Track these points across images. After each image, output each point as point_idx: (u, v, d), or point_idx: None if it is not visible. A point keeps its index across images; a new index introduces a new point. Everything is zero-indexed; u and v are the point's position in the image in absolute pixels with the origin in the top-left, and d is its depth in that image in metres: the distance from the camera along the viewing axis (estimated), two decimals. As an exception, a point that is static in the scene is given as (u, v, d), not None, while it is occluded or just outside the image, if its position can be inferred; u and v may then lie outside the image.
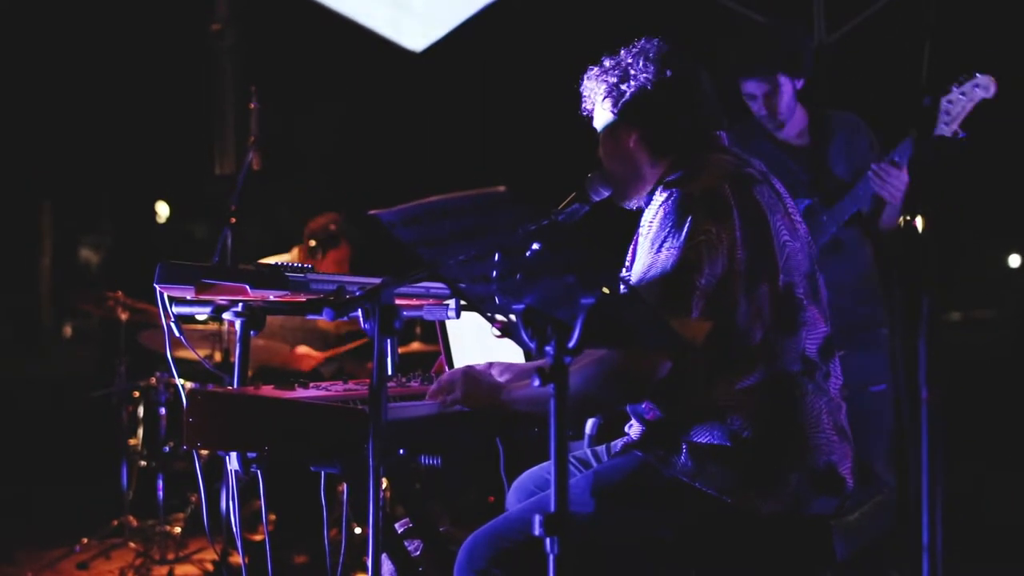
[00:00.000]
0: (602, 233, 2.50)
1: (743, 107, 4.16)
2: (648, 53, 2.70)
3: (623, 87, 2.69)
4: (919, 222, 2.23)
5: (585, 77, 2.80)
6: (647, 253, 2.51)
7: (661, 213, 2.52)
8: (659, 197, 2.57)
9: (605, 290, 1.94)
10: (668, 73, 2.67)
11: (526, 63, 8.22)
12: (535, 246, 1.97)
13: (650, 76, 2.67)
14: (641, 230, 2.63)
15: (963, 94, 3.66)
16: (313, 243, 5.75)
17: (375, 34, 7.85)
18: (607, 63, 2.75)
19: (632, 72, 2.69)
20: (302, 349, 5.66)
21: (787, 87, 4.01)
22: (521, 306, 2.03)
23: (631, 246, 2.75)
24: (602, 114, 2.76)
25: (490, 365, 2.83)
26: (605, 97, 2.73)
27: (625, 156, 2.73)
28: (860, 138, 4.11)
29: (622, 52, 2.74)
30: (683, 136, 2.69)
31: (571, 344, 1.94)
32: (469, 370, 2.74)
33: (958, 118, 3.66)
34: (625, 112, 2.70)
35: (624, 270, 2.76)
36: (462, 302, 3.07)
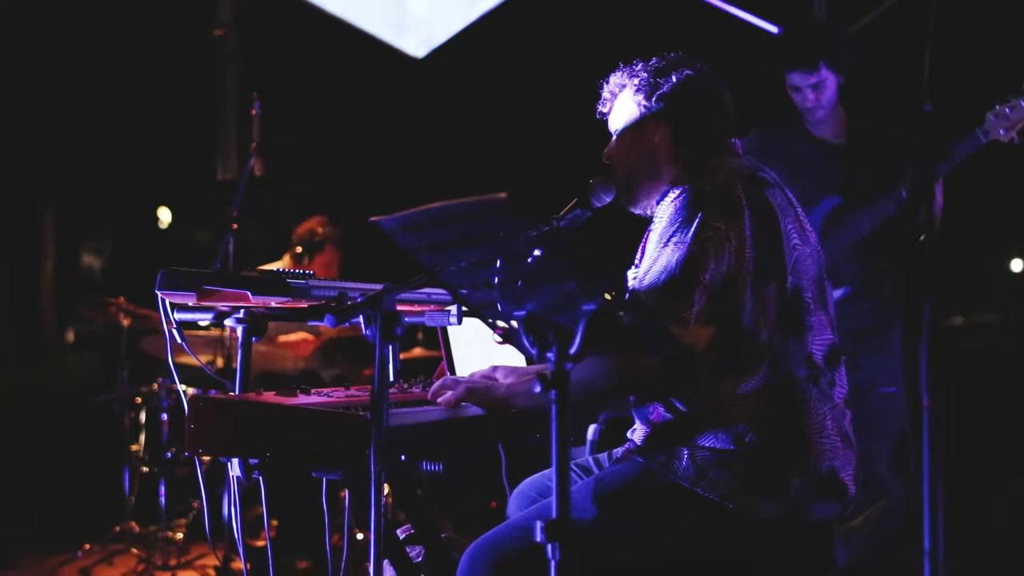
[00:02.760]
0: (604, 239, 2.50)
1: (763, 112, 4.23)
2: (679, 58, 2.78)
3: (660, 80, 2.74)
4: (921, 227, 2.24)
5: (612, 74, 2.83)
6: (655, 248, 2.53)
7: (672, 209, 2.54)
8: (672, 194, 2.59)
9: (607, 296, 1.94)
10: (704, 73, 2.75)
11: (528, 69, 8.23)
12: (537, 252, 1.97)
13: (692, 74, 2.74)
14: (652, 225, 2.65)
15: None
16: (299, 249, 5.76)
17: (377, 40, 7.86)
18: (639, 64, 2.79)
19: (671, 69, 2.75)
20: (296, 336, 5.65)
21: (831, 81, 4.16)
22: (523, 312, 2.03)
23: (641, 243, 2.76)
24: (628, 109, 2.78)
25: (494, 369, 2.84)
26: (637, 90, 2.76)
27: (646, 152, 2.75)
28: (895, 148, 4.15)
29: (655, 58, 2.80)
30: (708, 137, 2.73)
31: (572, 351, 1.94)
32: (472, 375, 2.77)
33: (1017, 125, 3.74)
34: (662, 103, 2.73)
35: (633, 267, 2.77)
36: (464, 308, 3.07)
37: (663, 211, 2.59)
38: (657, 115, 2.74)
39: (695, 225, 2.47)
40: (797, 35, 4.30)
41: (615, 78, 2.83)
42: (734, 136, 2.79)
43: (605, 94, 2.85)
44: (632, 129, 2.78)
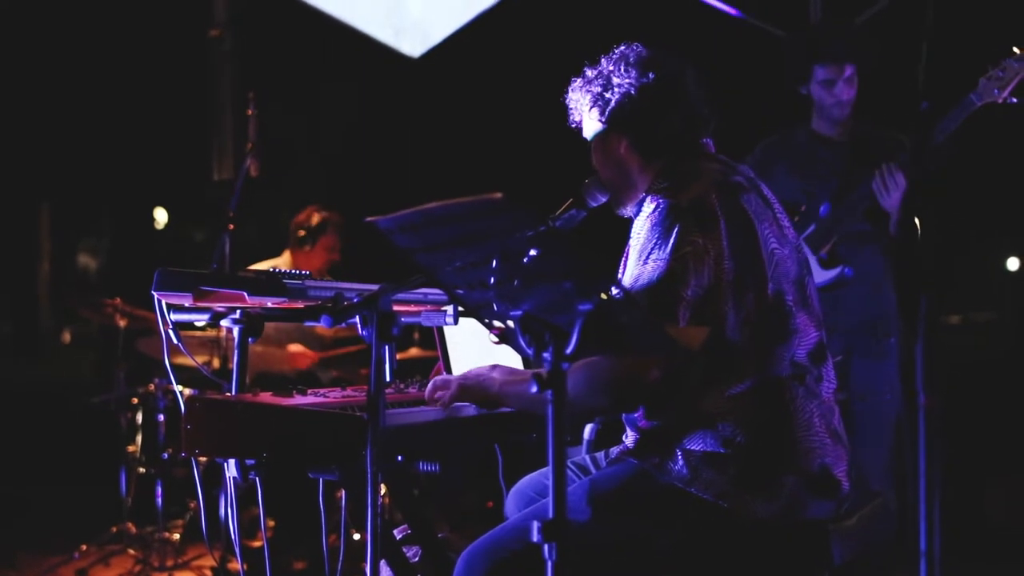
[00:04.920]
0: (600, 239, 2.50)
1: (741, 105, 4.24)
2: (628, 58, 2.71)
3: (607, 95, 2.70)
4: (917, 224, 2.25)
5: (569, 90, 2.81)
6: (635, 264, 2.52)
7: (649, 224, 2.53)
8: (648, 207, 2.57)
9: (603, 296, 1.94)
10: (651, 76, 2.68)
11: (524, 68, 8.22)
12: (532, 252, 1.97)
13: (632, 81, 2.68)
14: (631, 241, 2.63)
15: (1016, 62, 3.75)
16: (302, 233, 5.76)
17: (373, 40, 7.85)
18: (589, 73, 2.76)
19: (615, 80, 2.69)
20: (295, 347, 5.66)
21: (856, 75, 4.18)
22: (519, 312, 2.03)
23: (623, 257, 2.75)
24: (591, 124, 2.77)
25: (493, 367, 2.83)
26: (592, 107, 2.73)
27: (617, 163, 2.74)
28: (898, 153, 4.17)
29: (603, 61, 2.75)
30: (671, 140, 2.70)
31: (569, 350, 1.94)
32: (466, 371, 2.75)
33: (1009, 84, 3.76)
34: (612, 120, 2.70)
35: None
36: (460, 308, 3.06)
37: (640, 225, 2.57)
38: (615, 131, 2.72)
39: (672, 241, 2.46)
40: (831, 30, 4.34)
41: (572, 93, 2.80)
42: (707, 128, 2.75)
43: (571, 105, 2.83)
44: (598, 143, 2.77)
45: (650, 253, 2.48)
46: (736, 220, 2.50)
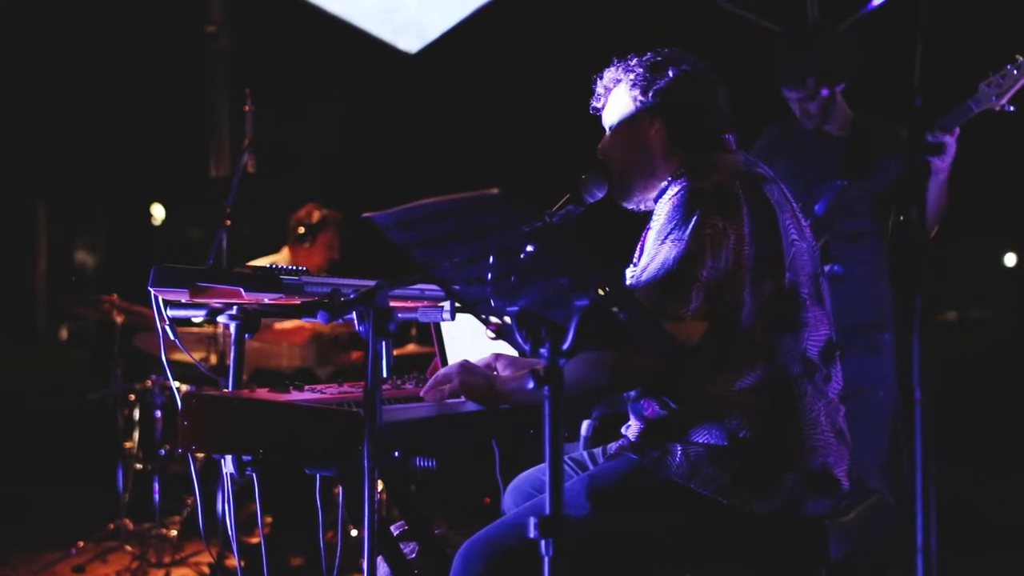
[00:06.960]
0: (596, 235, 2.50)
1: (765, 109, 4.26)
2: (681, 55, 2.77)
3: (655, 75, 2.74)
4: (913, 221, 2.24)
5: (606, 69, 2.83)
6: (653, 244, 2.54)
7: (670, 205, 2.54)
8: (671, 190, 2.59)
9: (600, 292, 1.94)
10: (700, 69, 2.75)
11: (521, 64, 8.23)
12: (529, 248, 1.97)
13: (687, 69, 2.73)
14: (651, 222, 2.64)
15: (1016, 69, 3.74)
16: (302, 230, 5.75)
17: (369, 36, 7.85)
18: (634, 59, 2.78)
19: (665, 65, 2.74)
20: (289, 324, 5.62)
21: (823, 93, 4.16)
22: (516, 308, 2.03)
23: (640, 240, 2.76)
24: (623, 103, 2.78)
25: (496, 357, 2.83)
26: (633, 85, 2.75)
27: (641, 146, 2.75)
28: (899, 145, 4.15)
29: (649, 53, 2.79)
30: (703, 133, 2.73)
31: (565, 346, 1.94)
32: (466, 362, 2.74)
33: (1008, 92, 3.75)
34: (657, 98, 2.72)
35: (632, 264, 2.77)
36: (457, 304, 3.06)
37: (661, 208, 2.59)
38: (652, 110, 2.73)
39: (693, 222, 2.47)
40: (785, 49, 4.31)
41: (609, 73, 2.83)
42: (728, 132, 2.79)
43: (599, 89, 2.85)
44: (627, 124, 2.77)
45: (669, 234, 2.50)
46: (759, 207, 2.52)
